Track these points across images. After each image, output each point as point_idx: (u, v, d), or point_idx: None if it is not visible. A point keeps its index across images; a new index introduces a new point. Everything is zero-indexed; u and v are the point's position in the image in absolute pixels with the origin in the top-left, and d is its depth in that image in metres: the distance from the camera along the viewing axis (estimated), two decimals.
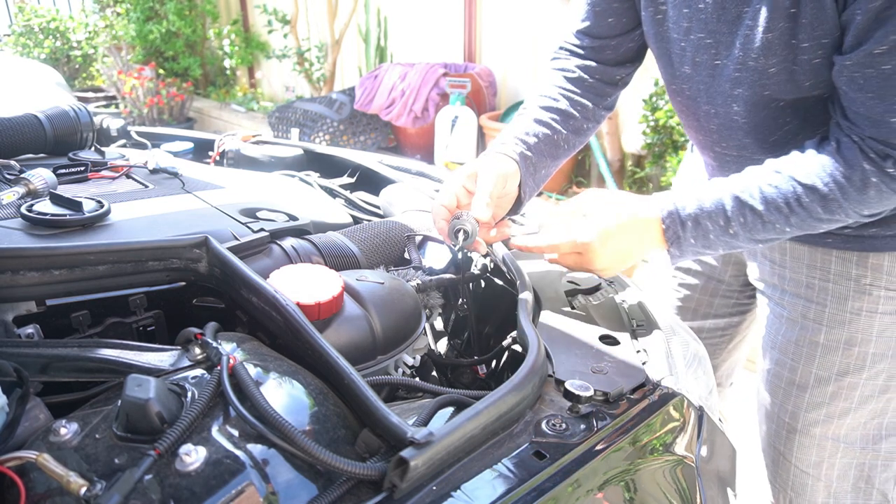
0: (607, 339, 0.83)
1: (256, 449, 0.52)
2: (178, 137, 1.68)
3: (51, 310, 0.77)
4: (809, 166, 0.83)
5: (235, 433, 0.53)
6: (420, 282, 0.94)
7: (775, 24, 0.82)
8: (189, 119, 6.21)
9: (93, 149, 1.28)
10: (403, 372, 0.85)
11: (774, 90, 0.88)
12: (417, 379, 0.85)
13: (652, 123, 3.45)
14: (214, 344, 0.62)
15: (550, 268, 1.02)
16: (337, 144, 4.82)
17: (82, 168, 1.12)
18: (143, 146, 1.59)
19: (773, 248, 1.10)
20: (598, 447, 0.63)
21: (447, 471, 0.56)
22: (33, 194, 0.95)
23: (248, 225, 0.95)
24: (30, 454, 0.49)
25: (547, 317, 0.88)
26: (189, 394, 0.57)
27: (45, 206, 0.86)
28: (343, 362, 0.61)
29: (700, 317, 1.34)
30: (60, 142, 1.25)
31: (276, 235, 0.95)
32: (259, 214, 1.02)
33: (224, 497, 0.48)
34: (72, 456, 0.51)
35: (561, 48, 1.14)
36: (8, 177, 1.02)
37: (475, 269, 1.07)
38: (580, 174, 4.12)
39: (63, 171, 1.09)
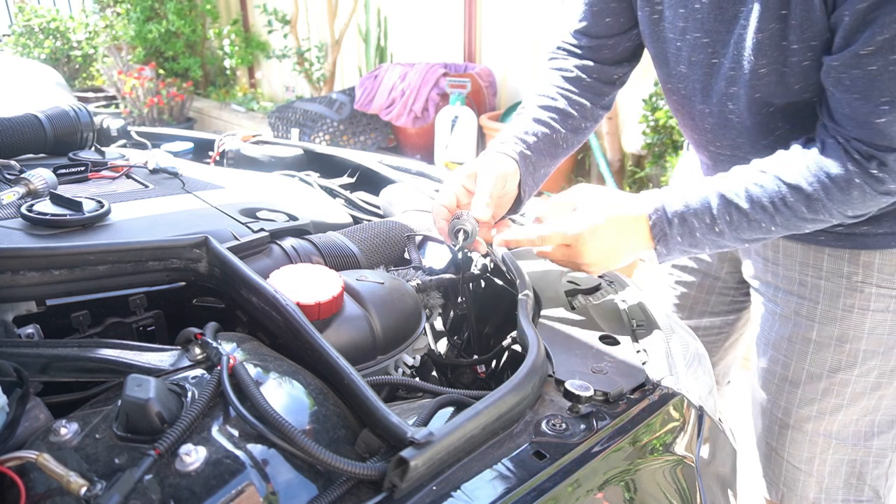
0: (607, 339, 0.83)
1: (256, 449, 0.52)
2: (178, 137, 1.68)
3: (51, 310, 0.77)
4: (794, 166, 0.83)
5: (235, 433, 0.53)
6: (420, 282, 0.94)
7: (766, 25, 0.83)
8: (189, 119, 6.21)
9: (93, 149, 1.28)
10: (403, 372, 0.85)
11: (765, 92, 0.88)
12: (417, 379, 0.85)
13: (652, 123, 3.45)
14: (214, 344, 0.62)
15: (550, 268, 1.02)
16: (337, 144, 4.82)
17: (82, 168, 1.12)
18: (143, 146, 1.59)
19: (766, 245, 1.11)
20: (598, 447, 0.63)
21: (447, 471, 0.56)
22: (33, 194, 0.95)
23: (248, 225, 0.95)
24: (30, 454, 0.49)
25: (547, 317, 0.88)
26: (189, 394, 0.57)
27: (45, 206, 0.86)
28: (343, 362, 0.61)
29: (697, 314, 1.34)
30: (60, 142, 1.25)
31: (276, 235, 0.95)
32: (259, 214, 1.02)
33: (224, 497, 0.48)
34: (72, 456, 0.51)
35: (559, 48, 1.15)
36: (8, 177, 1.02)
37: (475, 269, 1.07)
38: (580, 174, 4.12)
39: (63, 171, 1.09)
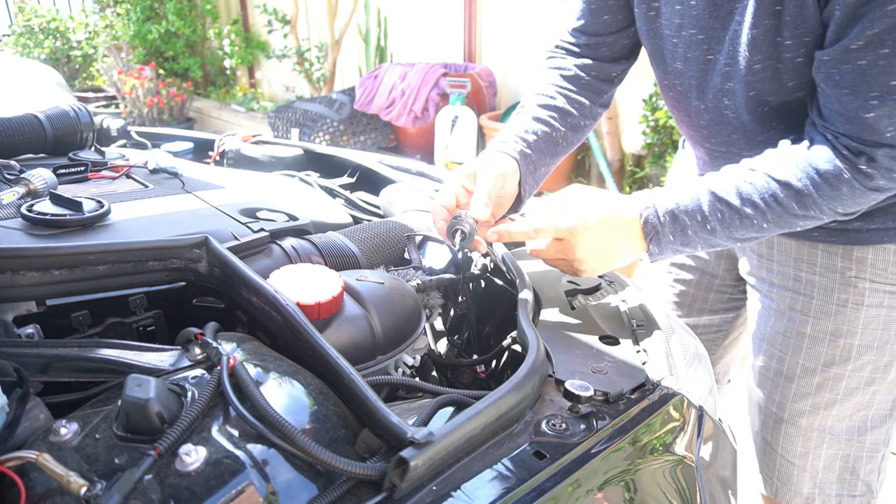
0: (607, 339, 0.83)
1: (256, 449, 0.52)
2: (178, 137, 1.68)
3: (51, 310, 0.77)
4: (784, 163, 0.84)
5: (235, 433, 0.53)
6: (420, 282, 0.94)
7: (761, 21, 0.83)
8: (189, 119, 6.21)
9: (93, 149, 1.28)
10: (403, 372, 0.85)
11: (760, 89, 0.89)
12: (417, 379, 0.85)
13: (652, 123, 3.45)
14: (214, 344, 0.62)
15: (551, 268, 1.02)
16: (337, 144, 4.82)
17: (82, 168, 1.12)
18: (143, 146, 1.59)
19: (760, 242, 1.12)
20: (598, 447, 0.63)
21: (447, 471, 0.56)
22: (33, 194, 0.95)
23: (248, 225, 0.95)
24: (30, 454, 0.49)
25: (547, 317, 0.88)
26: (189, 394, 0.57)
27: (45, 206, 0.86)
28: (343, 362, 0.61)
29: (695, 313, 1.35)
30: (60, 142, 1.25)
31: (276, 235, 0.95)
32: (259, 214, 1.02)
33: (224, 497, 0.48)
34: (72, 456, 0.51)
35: (557, 47, 1.15)
36: (8, 177, 1.02)
37: (475, 269, 1.07)
38: (580, 174, 4.13)
39: (63, 171, 1.09)
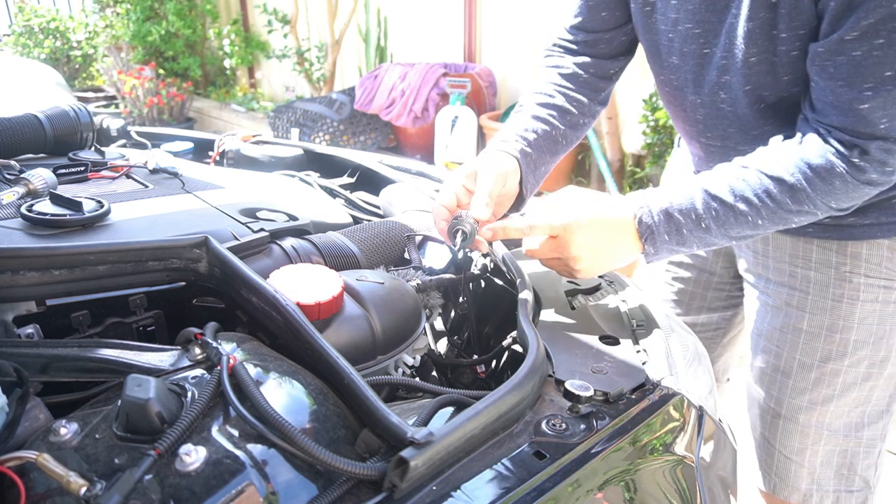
0: (607, 339, 0.83)
1: (256, 449, 0.52)
2: (178, 137, 1.68)
3: (51, 310, 0.77)
4: (776, 159, 0.84)
5: (235, 433, 0.53)
6: (420, 282, 0.94)
7: (757, 14, 0.84)
8: (189, 119, 6.21)
9: (93, 149, 1.28)
10: (403, 372, 0.85)
11: (756, 83, 0.89)
12: (417, 379, 0.85)
13: (652, 123, 3.45)
14: (214, 344, 0.62)
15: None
16: (337, 144, 4.82)
17: (82, 168, 1.12)
18: (143, 146, 1.58)
19: (756, 239, 1.12)
20: (598, 447, 0.63)
21: (447, 471, 0.56)
22: (33, 194, 0.95)
23: (248, 225, 0.95)
24: (30, 454, 0.49)
25: (547, 317, 0.88)
26: (189, 394, 0.57)
27: (45, 206, 0.86)
28: (343, 362, 0.61)
29: (694, 311, 1.36)
30: (60, 142, 1.25)
31: (276, 235, 0.95)
32: (259, 214, 1.02)
33: (224, 497, 0.48)
34: (72, 456, 0.51)
35: (555, 45, 1.16)
36: (8, 177, 1.02)
37: (475, 270, 1.07)
38: (580, 174, 4.13)
39: (63, 171, 1.09)
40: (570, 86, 1.10)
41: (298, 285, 0.76)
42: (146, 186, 1.09)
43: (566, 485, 0.59)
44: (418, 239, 1.07)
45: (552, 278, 1.00)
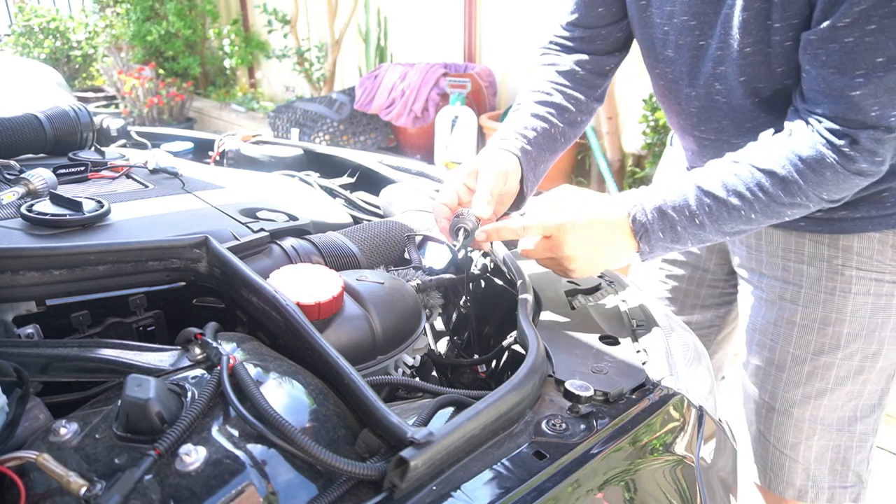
0: (607, 339, 0.83)
1: (256, 449, 0.52)
2: (178, 137, 1.68)
3: (51, 310, 0.77)
4: (767, 152, 0.85)
5: (235, 433, 0.53)
6: (420, 282, 0.94)
7: (752, 4, 0.84)
8: (189, 119, 6.21)
9: (93, 149, 1.28)
10: (403, 372, 0.85)
11: (750, 74, 0.90)
12: (417, 379, 0.85)
13: (652, 123, 3.46)
14: (214, 344, 0.62)
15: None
16: (337, 144, 4.82)
17: (82, 168, 1.12)
18: (143, 146, 1.58)
19: (749, 234, 1.13)
20: (598, 447, 0.63)
21: (447, 471, 0.56)
22: (33, 194, 0.95)
23: (248, 225, 0.95)
24: (30, 454, 0.49)
25: (547, 317, 0.88)
26: (189, 394, 0.57)
27: (45, 206, 0.86)
28: (343, 362, 0.61)
29: (688, 308, 1.36)
30: (60, 142, 1.25)
31: (276, 235, 0.95)
32: (259, 214, 1.02)
33: (224, 497, 0.48)
34: (72, 456, 0.51)
35: (551, 43, 1.16)
36: (8, 177, 1.02)
37: (475, 269, 1.07)
38: (580, 174, 4.13)
39: (63, 171, 1.09)
40: (568, 83, 1.10)
41: (298, 285, 0.76)
42: (146, 186, 1.09)
43: (566, 485, 0.59)
44: (418, 239, 1.07)
45: (552, 278, 1.00)
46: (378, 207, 1.31)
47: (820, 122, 0.82)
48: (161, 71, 6.39)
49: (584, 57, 1.11)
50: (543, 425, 0.64)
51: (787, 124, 0.87)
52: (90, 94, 6.31)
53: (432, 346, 1.06)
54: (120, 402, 0.52)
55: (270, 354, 0.65)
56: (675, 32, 0.97)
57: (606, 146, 3.83)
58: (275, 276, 0.78)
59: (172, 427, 0.51)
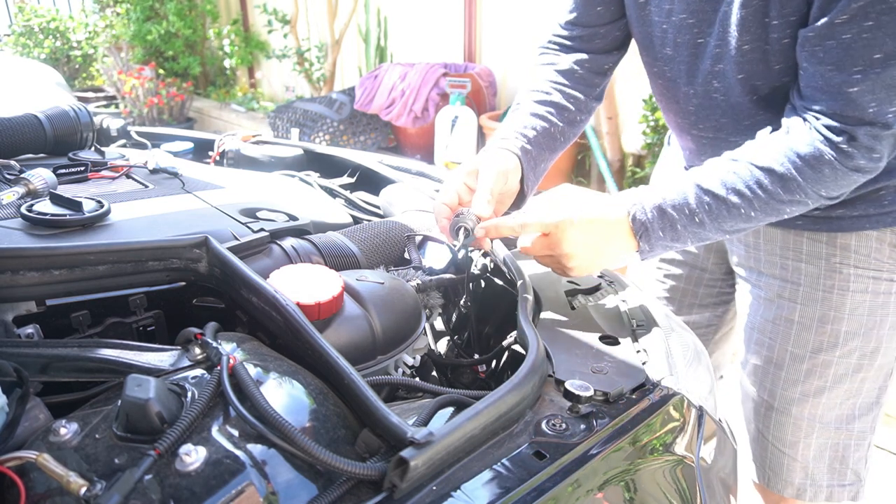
0: (607, 339, 0.83)
1: (256, 449, 0.52)
2: (178, 137, 1.68)
3: (51, 310, 0.77)
4: (764, 150, 0.85)
5: (235, 433, 0.53)
6: (420, 282, 0.94)
7: (750, 2, 0.85)
8: (189, 119, 6.21)
9: (93, 149, 1.28)
10: (403, 372, 0.85)
11: (749, 71, 0.90)
12: (417, 379, 0.85)
13: (652, 123, 3.45)
14: (214, 344, 0.62)
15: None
16: (337, 144, 4.82)
17: (82, 168, 1.12)
18: (143, 146, 1.58)
19: (747, 232, 1.13)
20: (598, 447, 0.63)
21: (447, 471, 0.56)
22: (33, 194, 0.95)
23: (248, 225, 0.95)
24: (30, 454, 0.49)
25: (547, 317, 0.88)
26: (189, 394, 0.57)
27: (45, 206, 0.86)
28: (343, 362, 0.61)
29: (686, 307, 1.37)
30: (60, 142, 1.25)
31: (276, 235, 0.95)
32: (259, 214, 1.02)
33: (224, 497, 0.48)
34: (72, 456, 0.51)
35: (549, 42, 1.17)
36: (8, 177, 1.02)
37: (475, 269, 1.07)
38: (580, 174, 4.13)
39: (63, 171, 1.09)
40: (566, 82, 1.11)
41: (298, 285, 0.76)
42: (146, 186, 1.09)
43: (566, 485, 0.59)
44: (418, 239, 1.07)
45: (552, 279, 1.00)
46: (378, 207, 1.31)
47: (817, 119, 0.82)
48: (161, 71, 6.39)
49: (583, 56, 1.11)
50: (543, 425, 0.64)
51: (784, 122, 0.87)
52: (90, 94, 6.31)
53: (432, 346, 1.06)
54: (120, 402, 0.52)
55: (270, 354, 0.65)
56: (674, 30, 0.97)
57: (606, 146, 3.83)
58: (275, 276, 0.78)
59: (172, 427, 0.51)
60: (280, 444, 0.52)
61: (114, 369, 0.63)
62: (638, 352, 0.82)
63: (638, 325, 0.89)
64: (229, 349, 0.63)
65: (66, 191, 0.96)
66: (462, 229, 0.88)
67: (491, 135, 4.41)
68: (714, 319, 1.37)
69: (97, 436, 0.53)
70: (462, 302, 1.06)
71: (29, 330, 0.75)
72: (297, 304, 0.69)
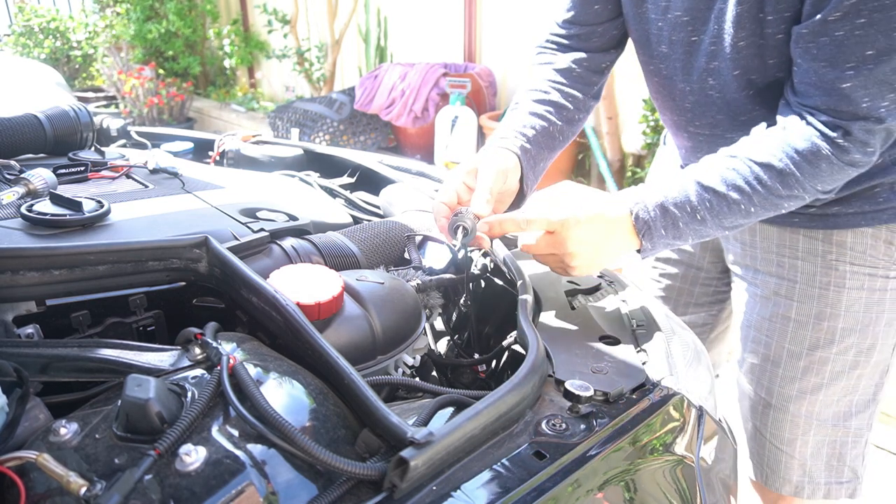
0: (607, 339, 0.83)
1: (256, 449, 0.52)
2: (178, 137, 1.68)
3: (51, 310, 0.77)
4: (761, 146, 0.86)
5: (235, 433, 0.53)
6: (420, 282, 0.94)
7: None
8: (189, 119, 6.21)
9: (93, 149, 1.28)
10: (403, 372, 0.85)
11: (744, 67, 0.91)
12: (417, 379, 0.85)
13: (652, 123, 3.45)
14: (214, 344, 0.62)
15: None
16: (337, 144, 4.82)
17: (82, 168, 1.12)
18: (143, 146, 1.58)
19: (743, 230, 1.14)
20: (598, 447, 0.63)
21: (447, 471, 0.56)
22: (33, 194, 0.95)
23: (248, 225, 0.95)
24: (30, 454, 0.49)
25: (547, 317, 0.88)
26: (189, 394, 0.57)
27: (45, 206, 0.86)
28: (343, 362, 0.61)
29: (681, 307, 1.37)
30: (60, 142, 1.25)
31: (276, 235, 0.95)
32: (259, 214, 1.02)
33: (224, 497, 0.48)
34: (72, 456, 0.51)
35: (547, 41, 1.17)
36: (8, 177, 1.02)
37: (475, 269, 1.07)
38: (580, 174, 4.12)
39: (63, 171, 1.09)
40: (565, 81, 1.11)
41: (298, 285, 0.76)
42: (146, 186, 1.09)
43: (566, 485, 0.59)
44: (418, 239, 1.07)
45: (552, 279, 1.00)
46: (378, 207, 1.31)
47: (813, 114, 0.83)
48: (161, 71, 6.39)
49: (581, 55, 1.12)
50: (543, 425, 0.64)
51: (779, 118, 0.88)
52: (90, 94, 6.31)
53: (432, 346, 1.06)
54: (120, 402, 0.52)
55: (270, 354, 0.65)
56: (669, 28, 0.98)
57: (606, 146, 3.83)
58: (275, 276, 0.78)
59: (172, 427, 0.51)
60: (280, 444, 0.52)
61: (114, 369, 0.63)
62: (638, 352, 0.82)
63: (638, 325, 0.89)
64: (229, 349, 0.63)
65: (66, 191, 0.96)
66: (461, 228, 0.88)
67: (491, 135, 4.42)
68: (709, 319, 1.37)
69: (97, 436, 0.53)
70: (462, 301, 1.06)
71: (29, 330, 0.75)
72: (297, 304, 0.69)
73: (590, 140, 3.77)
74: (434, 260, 1.03)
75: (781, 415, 1.14)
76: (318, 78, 5.75)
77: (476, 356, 1.00)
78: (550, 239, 0.87)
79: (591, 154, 3.88)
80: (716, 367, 1.46)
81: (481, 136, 4.33)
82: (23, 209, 0.84)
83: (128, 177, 1.14)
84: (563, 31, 1.14)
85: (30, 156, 1.24)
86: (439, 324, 1.14)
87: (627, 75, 3.55)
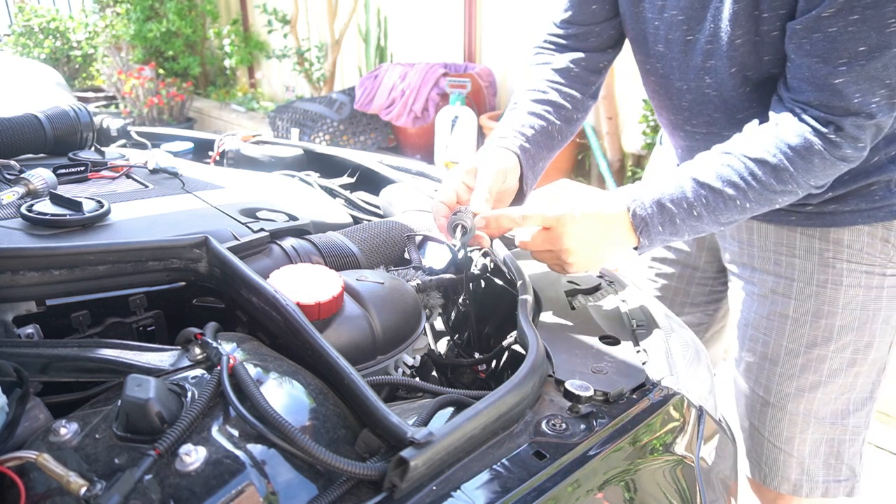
0: (607, 339, 0.83)
1: (256, 449, 0.52)
2: (178, 137, 1.68)
3: (51, 310, 0.77)
4: (754, 142, 0.87)
5: (235, 433, 0.53)
6: (420, 282, 0.94)
7: None
8: (189, 119, 6.21)
9: (93, 149, 1.28)
10: (403, 372, 0.85)
11: (741, 64, 0.92)
12: (417, 379, 0.85)
13: (652, 123, 3.45)
14: (214, 344, 0.62)
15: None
16: (337, 144, 4.82)
17: (82, 168, 1.12)
18: (143, 146, 1.58)
19: (740, 228, 1.15)
20: (598, 447, 0.63)
21: (447, 471, 0.56)
22: (33, 194, 0.95)
23: (248, 225, 0.95)
24: (30, 454, 0.49)
25: (547, 317, 0.88)
26: (189, 394, 0.57)
27: (45, 206, 0.86)
28: (343, 362, 0.61)
29: (678, 306, 1.38)
30: (60, 142, 1.25)
31: (276, 235, 0.95)
32: (259, 214, 1.02)
33: (224, 497, 0.48)
34: (72, 456, 0.51)
35: (545, 42, 1.18)
36: (8, 177, 1.02)
37: (475, 269, 1.07)
38: (580, 174, 4.12)
39: (63, 171, 1.09)
40: (563, 81, 1.11)
41: (298, 285, 0.76)
42: (146, 186, 1.09)
43: (566, 485, 0.59)
44: (418, 239, 1.07)
45: (552, 278, 1.00)
46: (378, 207, 1.31)
47: (805, 110, 0.84)
48: (161, 71, 6.39)
49: (579, 55, 1.12)
50: (543, 425, 0.64)
51: (771, 114, 0.89)
52: (90, 94, 6.31)
53: (432, 346, 1.06)
54: (120, 402, 0.52)
55: (270, 354, 0.65)
56: (665, 27, 0.99)
57: (606, 146, 3.83)
58: (275, 276, 0.78)
59: (172, 427, 0.51)
60: (280, 444, 0.52)
61: (114, 369, 0.63)
62: (638, 352, 0.82)
63: (638, 325, 0.89)
64: (229, 349, 0.63)
65: (66, 191, 0.96)
66: (459, 227, 0.88)
67: (490, 134, 4.43)
68: (706, 318, 1.38)
69: (97, 436, 0.53)
70: (461, 300, 1.06)
71: (29, 330, 0.75)
72: (297, 304, 0.69)
73: (590, 140, 3.77)
74: (434, 260, 1.03)
75: (780, 413, 1.14)
76: (318, 78, 5.75)
77: (476, 356, 1.00)
78: (547, 235, 0.87)
79: (591, 154, 3.88)
80: (714, 367, 1.46)
81: (481, 136, 4.33)
82: (23, 209, 0.84)
83: (128, 177, 1.14)
84: (560, 31, 1.14)
85: (30, 156, 1.24)
86: (439, 324, 1.14)
87: (627, 75, 3.55)
